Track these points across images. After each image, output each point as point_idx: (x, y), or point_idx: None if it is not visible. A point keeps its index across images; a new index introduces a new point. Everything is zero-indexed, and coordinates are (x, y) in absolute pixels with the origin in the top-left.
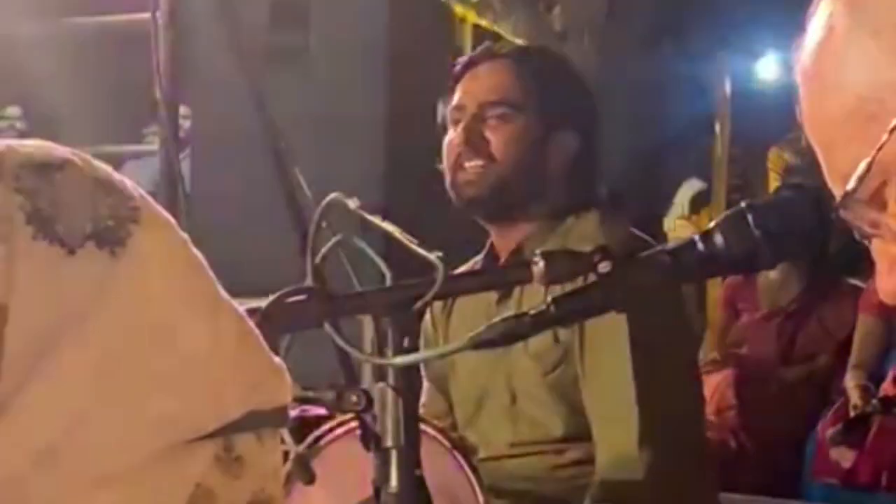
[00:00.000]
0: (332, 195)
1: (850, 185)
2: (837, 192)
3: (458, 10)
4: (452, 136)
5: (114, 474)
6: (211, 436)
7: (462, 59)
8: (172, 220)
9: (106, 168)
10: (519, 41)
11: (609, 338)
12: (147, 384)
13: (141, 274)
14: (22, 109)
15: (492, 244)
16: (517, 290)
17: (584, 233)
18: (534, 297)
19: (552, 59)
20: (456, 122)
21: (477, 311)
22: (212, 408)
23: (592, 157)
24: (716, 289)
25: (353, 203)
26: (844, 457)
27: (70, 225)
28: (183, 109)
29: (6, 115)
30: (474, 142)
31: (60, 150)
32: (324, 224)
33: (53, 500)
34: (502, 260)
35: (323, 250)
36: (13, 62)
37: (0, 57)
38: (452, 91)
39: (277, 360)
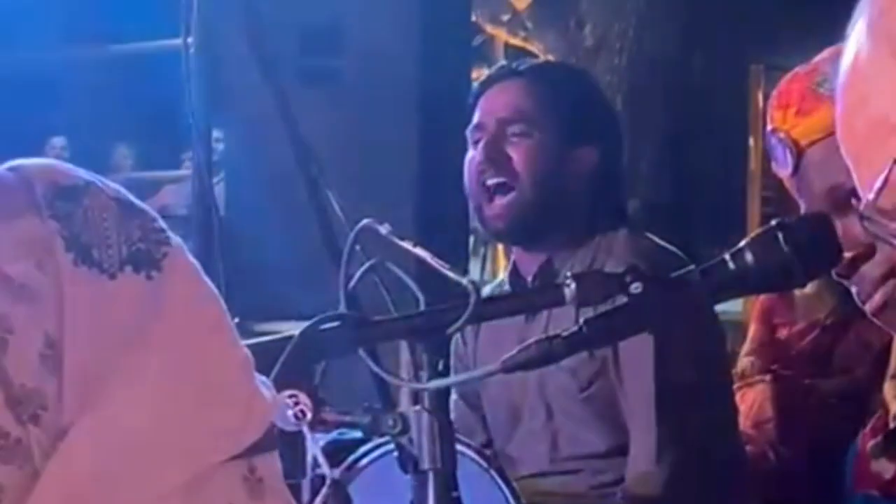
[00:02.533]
0: (365, 221)
1: (871, 195)
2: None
3: (490, 28)
4: (473, 154)
5: (171, 492)
6: (237, 457)
7: (480, 79)
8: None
9: (119, 188)
10: (550, 58)
11: (643, 350)
12: (203, 402)
13: (182, 295)
14: (66, 139)
15: (514, 262)
16: None
17: (612, 251)
18: (562, 312)
19: (569, 74)
20: (476, 142)
21: (506, 324)
22: (249, 423)
23: (616, 173)
24: (752, 303)
25: (384, 229)
26: (885, 468)
27: (105, 249)
28: (216, 133)
29: (50, 144)
30: (496, 159)
31: (80, 172)
32: (357, 248)
33: None
34: (528, 278)
35: (356, 276)
36: (56, 92)
37: (43, 87)
38: (472, 111)
39: None
